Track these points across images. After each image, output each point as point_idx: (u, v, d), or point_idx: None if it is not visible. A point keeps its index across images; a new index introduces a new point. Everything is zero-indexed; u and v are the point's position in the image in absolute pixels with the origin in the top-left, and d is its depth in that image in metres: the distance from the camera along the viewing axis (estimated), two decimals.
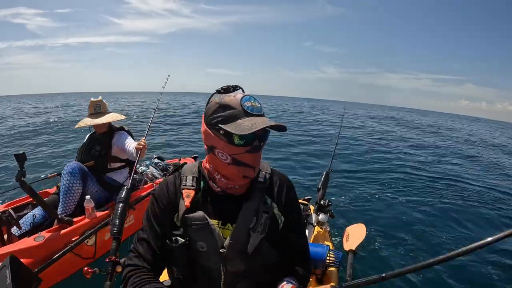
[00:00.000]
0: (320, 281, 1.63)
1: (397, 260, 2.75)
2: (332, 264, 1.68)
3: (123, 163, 2.72)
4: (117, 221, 1.81)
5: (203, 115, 0.86)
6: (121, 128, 2.78)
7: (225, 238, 0.86)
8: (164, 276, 1.50)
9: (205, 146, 0.87)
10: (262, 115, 0.81)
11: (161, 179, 2.90)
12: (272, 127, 0.78)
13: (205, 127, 0.84)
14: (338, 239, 2.69)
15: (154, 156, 4.00)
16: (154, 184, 3.03)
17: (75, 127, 2.66)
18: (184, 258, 0.87)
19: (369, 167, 6.77)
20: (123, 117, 2.75)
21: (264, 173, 0.94)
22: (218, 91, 0.85)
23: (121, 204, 1.95)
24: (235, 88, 0.86)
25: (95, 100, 2.65)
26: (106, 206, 2.53)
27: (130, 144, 2.57)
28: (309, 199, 2.51)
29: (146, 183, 3.13)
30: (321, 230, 2.18)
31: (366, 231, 2.12)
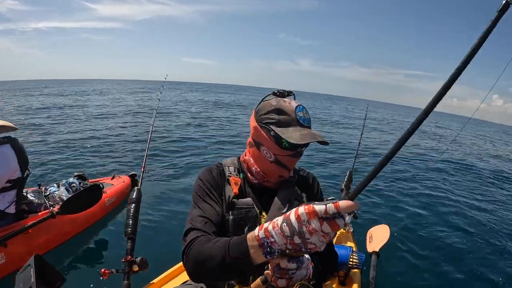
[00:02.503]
0: (343, 283, 1.64)
1: (422, 263, 2.71)
2: (355, 266, 1.67)
3: (9, 184, 2.17)
4: (130, 222, 1.87)
5: (253, 110, 1.00)
6: (3, 141, 2.15)
7: None
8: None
9: (250, 140, 1.01)
10: (310, 126, 0.96)
11: (46, 212, 2.39)
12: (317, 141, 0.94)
13: (256, 123, 0.97)
14: (361, 240, 2.68)
15: (75, 173, 3.36)
16: (52, 210, 2.35)
17: None
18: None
19: (394, 167, 6.66)
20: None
21: (293, 169, 1.07)
22: (274, 94, 0.98)
23: (133, 204, 2.00)
24: (289, 93, 0.99)
25: None
26: None
27: None
28: (333, 199, 2.51)
29: (47, 208, 2.52)
30: (344, 231, 2.17)
31: (390, 233, 2.11)
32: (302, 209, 0.60)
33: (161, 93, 2.87)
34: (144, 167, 2.69)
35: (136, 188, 2.21)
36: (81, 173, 3.40)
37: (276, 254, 0.65)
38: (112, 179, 3.78)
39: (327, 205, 0.58)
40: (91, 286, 2.15)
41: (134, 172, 4.19)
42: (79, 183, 3.14)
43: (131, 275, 1.52)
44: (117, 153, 6.65)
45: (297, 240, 0.61)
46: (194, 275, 0.82)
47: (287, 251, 0.66)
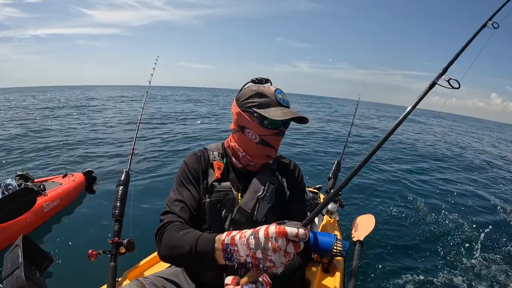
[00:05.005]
0: (327, 270, 1.70)
1: (405, 252, 2.82)
2: (339, 254, 1.73)
3: None
4: (118, 203, 1.89)
5: (234, 99, 1.07)
6: None
7: None
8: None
9: (234, 126, 1.07)
10: (289, 107, 1.02)
11: None
12: (298, 118, 0.98)
13: (238, 109, 1.03)
14: (347, 229, 2.76)
15: (18, 172, 3.01)
16: None
17: None
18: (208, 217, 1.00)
19: (381, 157, 6.80)
20: None
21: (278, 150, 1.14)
22: (253, 81, 1.06)
23: (121, 187, 2.02)
24: (266, 80, 1.06)
25: None
26: None
27: None
28: (320, 187, 2.58)
29: None
30: (330, 219, 2.25)
31: (376, 223, 2.19)
32: (273, 227, 0.65)
33: (152, 75, 2.82)
34: (133, 149, 2.68)
35: (124, 170, 2.22)
36: (24, 172, 2.99)
37: (235, 262, 0.70)
38: (63, 177, 3.37)
39: (299, 229, 0.63)
40: (79, 267, 2.19)
41: (89, 169, 3.74)
42: (19, 185, 2.70)
43: (118, 257, 1.56)
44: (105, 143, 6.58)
45: (259, 254, 0.65)
46: (162, 258, 0.90)
47: (247, 265, 0.69)
